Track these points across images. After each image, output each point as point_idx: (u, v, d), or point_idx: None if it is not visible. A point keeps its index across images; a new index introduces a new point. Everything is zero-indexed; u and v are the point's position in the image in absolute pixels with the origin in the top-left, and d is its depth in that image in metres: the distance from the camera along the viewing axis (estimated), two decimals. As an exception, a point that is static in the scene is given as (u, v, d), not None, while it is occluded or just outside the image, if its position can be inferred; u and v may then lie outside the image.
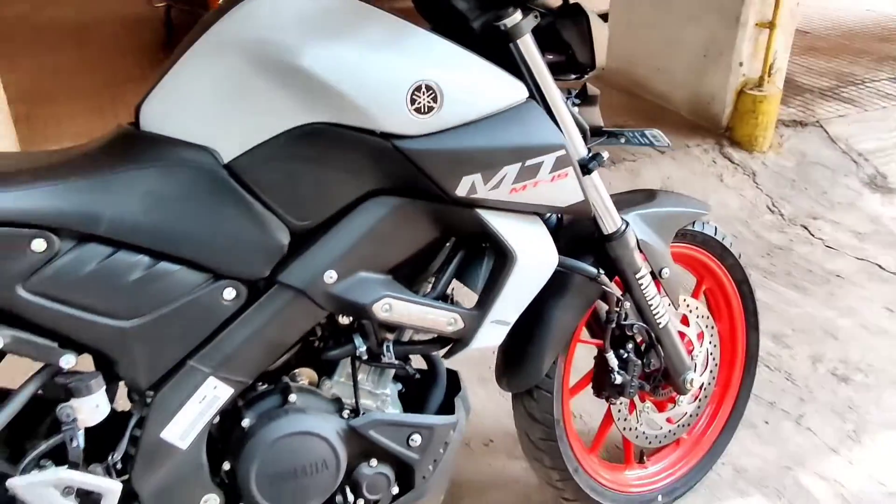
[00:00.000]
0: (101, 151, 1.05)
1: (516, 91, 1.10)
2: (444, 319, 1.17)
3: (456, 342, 1.21)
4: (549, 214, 1.36)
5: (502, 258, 1.16)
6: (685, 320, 1.59)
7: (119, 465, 1.08)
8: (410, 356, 1.29)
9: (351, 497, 1.21)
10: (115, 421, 1.10)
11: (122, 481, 1.08)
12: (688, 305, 1.59)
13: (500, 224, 1.14)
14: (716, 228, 1.60)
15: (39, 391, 1.04)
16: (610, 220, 1.33)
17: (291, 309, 1.10)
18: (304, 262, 1.08)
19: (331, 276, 1.08)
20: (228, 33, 1.00)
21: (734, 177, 3.13)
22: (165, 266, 1.03)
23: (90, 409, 1.04)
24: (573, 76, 1.30)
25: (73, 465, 1.04)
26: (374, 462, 1.21)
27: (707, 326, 1.63)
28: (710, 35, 3.31)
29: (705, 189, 3.05)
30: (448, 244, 1.20)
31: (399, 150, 1.03)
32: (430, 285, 1.20)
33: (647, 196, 1.50)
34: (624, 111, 3.65)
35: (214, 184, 1.02)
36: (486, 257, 1.22)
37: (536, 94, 1.18)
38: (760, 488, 1.74)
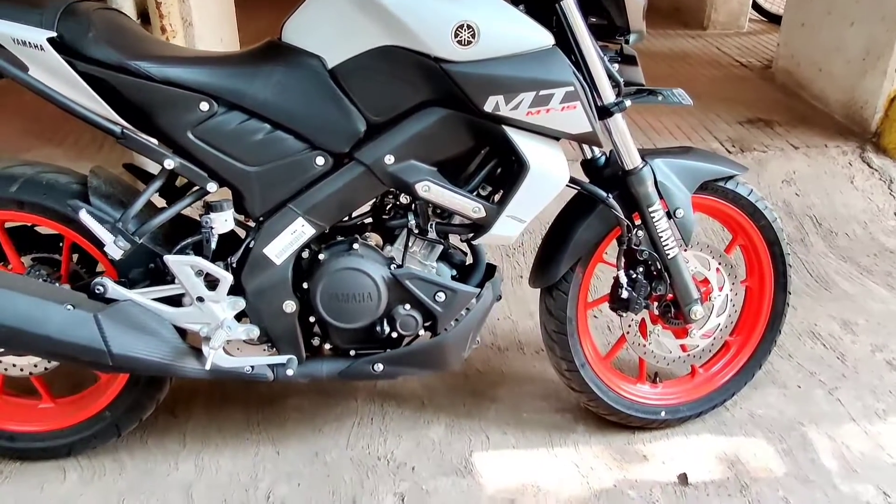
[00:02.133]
0: (253, 53, 1.56)
1: (543, 38, 1.47)
2: (469, 206, 1.57)
3: (479, 227, 1.61)
4: (597, 152, 1.72)
5: (519, 166, 1.54)
6: (714, 268, 1.85)
7: (234, 265, 1.61)
8: (461, 250, 1.70)
9: (387, 328, 1.65)
10: (238, 237, 1.63)
11: (235, 276, 1.60)
12: (711, 253, 1.85)
13: (519, 139, 1.51)
14: (751, 190, 1.84)
15: (193, 205, 1.59)
16: (628, 158, 1.65)
17: (360, 179, 1.55)
18: (372, 145, 1.53)
19: (389, 159, 1.52)
20: (341, -24, 1.46)
21: (867, 181, 3.16)
22: (280, 133, 1.52)
23: (221, 221, 1.57)
24: (618, 38, 1.63)
25: (205, 257, 1.57)
26: (407, 306, 1.65)
27: (730, 276, 1.87)
28: (871, 39, 3.32)
29: (832, 188, 3.12)
30: (483, 152, 1.59)
31: (444, 71, 1.44)
32: (467, 181, 1.60)
33: (680, 150, 1.79)
34: (775, 108, 3.73)
35: (320, 81, 1.49)
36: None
37: (576, 48, 1.53)
38: (766, 433, 1.95)
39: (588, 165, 1.77)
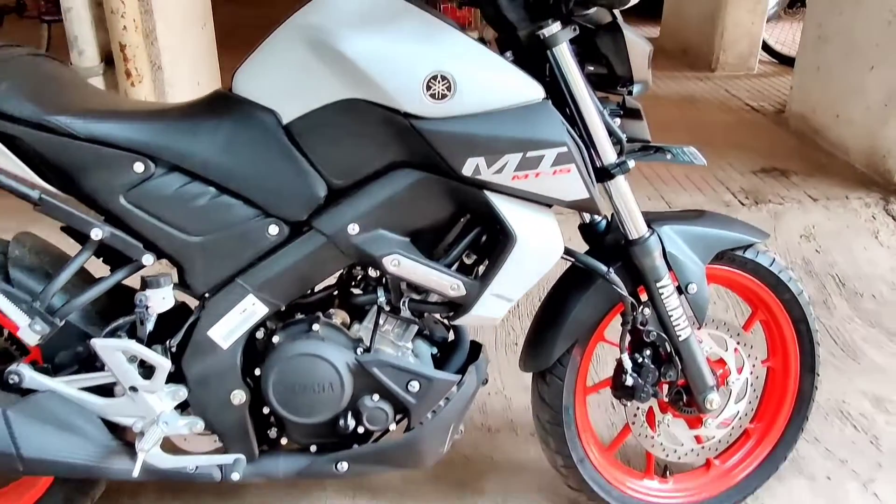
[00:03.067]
0: (198, 105, 1.36)
1: (532, 91, 1.27)
2: (447, 283, 1.36)
3: (459, 307, 1.39)
4: (596, 217, 1.51)
5: (505, 237, 1.33)
6: (724, 344, 1.63)
7: (174, 350, 1.39)
8: (443, 324, 1.48)
9: (352, 423, 1.43)
10: (179, 315, 1.41)
11: (175, 362, 1.38)
12: (728, 331, 1.63)
13: (504, 206, 1.31)
14: (773, 259, 1.62)
15: (126, 280, 1.38)
16: (632, 226, 1.44)
17: (320, 251, 1.34)
18: (334, 213, 1.32)
19: (353, 229, 1.32)
20: (299, 22, 1.27)
21: (893, 236, 2.94)
22: (227, 199, 1.32)
23: (158, 299, 1.36)
24: (620, 89, 1.43)
25: (140, 341, 1.36)
26: (375, 397, 1.42)
27: (750, 357, 1.65)
28: (893, 84, 3.13)
29: (855, 244, 2.90)
30: (462, 220, 1.38)
31: (415, 129, 1.24)
32: (445, 253, 1.39)
33: (692, 214, 1.57)
34: (790, 156, 3.53)
35: (273, 139, 1.29)
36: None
37: (570, 101, 1.33)
38: (793, 536, 1.71)
39: (587, 231, 1.56)
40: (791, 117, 3.93)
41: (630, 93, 1.43)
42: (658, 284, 1.47)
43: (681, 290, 1.51)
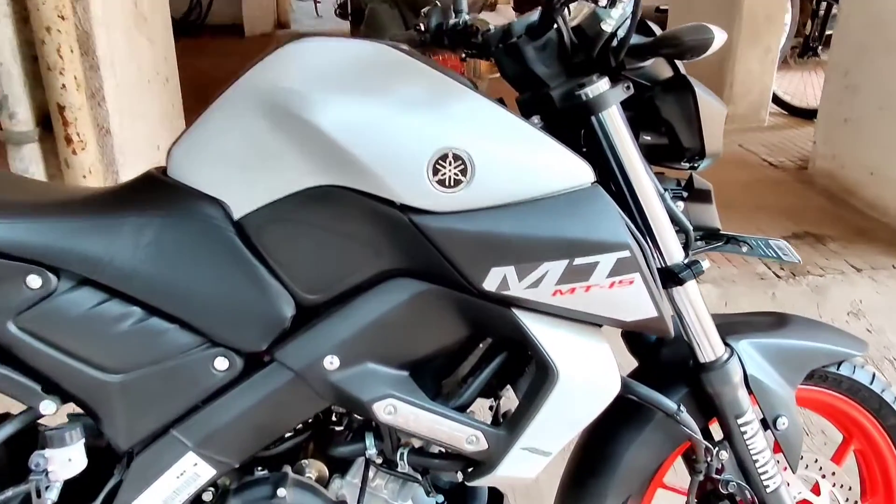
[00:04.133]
0: (122, 193, 1.02)
1: (578, 173, 0.93)
2: (461, 435, 0.99)
3: (479, 464, 1.02)
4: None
5: (542, 372, 0.97)
6: (816, 489, 1.26)
7: (85, 531, 1.01)
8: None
9: None
10: (96, 478, 1.04)
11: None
12: (821, 469, 1.27)
13: (541, 330, 0.95)
14: (874, 375, 1.27)
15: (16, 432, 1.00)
16: (707, 344, 1.09)
17: (286, 392, 0.99)
18: (305, 341, 0.97)
19: (332, 363, 0.96)
20: (253, 82, 0.93)
21: (953, 311, 2.61)
22: (157, 322, 0.96)
23: (62, 461, 0.98)
24: (681, 164, 1.10)
25: (36, 518, 0.98)
26: (366, 586, 1.05)
27: (847, 500, 1.28)
28: (940, 139, 2.84)
29: (910, 322, 2.56)
30: (482, 345, 1.02)
31: (416, 226, 0.90)
32: (457, 390, 1.03)
33: (774, 322, 1.23)
34: (822, 219, 3.22)
35: (221, 241, 0.95)
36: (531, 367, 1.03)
37: (623, 182, 1.00)
38: None
39: (633, 339, 1.21)
40: (816, 174, 3.64)
41: (695, 167, 1.11)
42: (739, 421, 1.12)
43: (766, 425, 1.15)
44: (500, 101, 0.97)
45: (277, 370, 0.98)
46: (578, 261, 0.91)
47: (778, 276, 2.71)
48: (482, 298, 0.94)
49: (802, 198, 3.50)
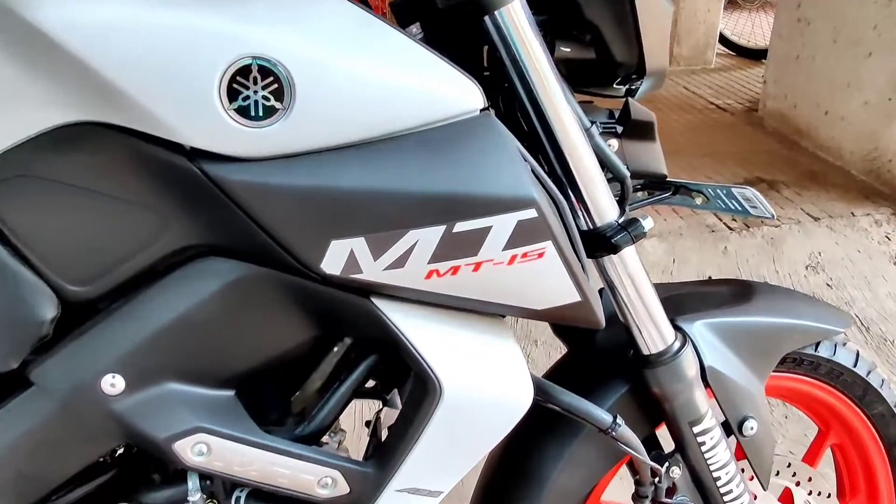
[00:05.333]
0: None
1: (458, 97, 0.63)
2: (310, 477, 0.70)
3: (339, 513, 0.74)
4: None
5: (420, 387, 0.68)
6: (787, 496, 1.02)
7: None
8: None
9: None
10: None
11: None
12: (794, 474, 1.03)
13: (414, 328, 0.66)
14: (857, 355, 1.02)
15: None
16: (652, 331, 0.82)
17: (52, 428, 0.68)
18: (73, 354, 0.66)
19: (112, 384, 0.66)
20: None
21: (916, 261, 2.42)
22: None
23: None
24: (613, 88, 0.82)
25: None
26: None
27: (825, 508, 1.05)
28: (900, 74, 2.63)
29: (872, 274, 2.36)
30: (338, 347, 0.73)
31: (212, 179, 0.59)
32: (305, 415, 0.74)
33: (735, 293, 0.96)
34: (774, 163, 3.00)
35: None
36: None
37: (532, 111, 0.71)
38: None
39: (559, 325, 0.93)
40: (767, 116, 3.42)
41: (632, 92, 0.82)
42: (696, 429, 0.86)
43: (729, 430, 0.89)
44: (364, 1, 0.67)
45: (37, 397, 0.67)
46: (461, 226, 0.61)
47: (730, 228, 2.48)
48: (326, 284, 0.64)
49: (752, 141, 3.27)
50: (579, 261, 0.68)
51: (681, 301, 0.92)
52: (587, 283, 0.68)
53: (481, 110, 0.64)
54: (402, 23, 0.76)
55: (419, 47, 0.62)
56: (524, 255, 0.63)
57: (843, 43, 2.89)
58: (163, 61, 0.56)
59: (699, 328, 0.87)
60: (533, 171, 0.64)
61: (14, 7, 0.56)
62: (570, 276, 0.66)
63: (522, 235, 0.62)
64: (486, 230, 0.61)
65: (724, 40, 4.79)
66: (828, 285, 2.33)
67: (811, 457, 1.10)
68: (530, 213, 0.62)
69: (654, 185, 0.90)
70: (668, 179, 0.89)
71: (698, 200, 0.90)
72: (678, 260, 2.36)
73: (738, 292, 0.96)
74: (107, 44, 0.56)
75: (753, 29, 4.80)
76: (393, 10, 0.77)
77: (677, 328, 0.85)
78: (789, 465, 1.03)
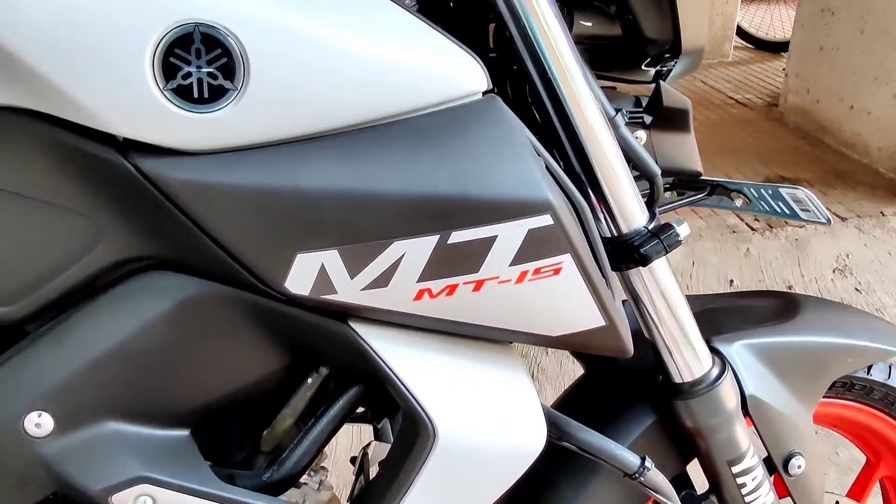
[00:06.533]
0: None
1: (458, 76, 0.51)
2: (277, 535, 0.59)
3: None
4: None
5: (411, 429, 0.57)
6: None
7: None
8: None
9: None
10: None
11: None
12: (842, 513, 0.91)
13: (401, 359, 0.55)
14: (912, 378, 0.90)
15: None
16: (686, 356, 0.70)
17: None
18: (-10, 386, 0.54)
19: (38, 423, 0.54)
20: None
21: (950, 264, 2.28)
22: None
23: None
24: (642, 71, 0.71)
25: None
26: None
27: (876, 551, 0.92)
28: (933, 66, 2.49)
29: (904, 278, 2.23)
30: (311, 379, 0.61)
31: (148, 177, 0.47)
32: (280, 454, 0.63)
33: (777, 308, 0.84)
34: (797, 160, 2.87)
35: None
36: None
37: (546, 97, 0.59)
38: None
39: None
40: (788, 111, 3.28)
41: (663, 75, 0.71)
42: (735, 469, 0.74)
43: (772, 468, 0.77)
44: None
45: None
46: (458, 236, 0.49)
47: (752, 229, 2.35)
48: (294, 305, 0.53)
49: (774, 138, 3.13)
50: (603, 276, 0.56)
51: (716, 317, 0.80)
52: (613, 303, 0.56)
53: (484, 93, 0.52)
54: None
55: (409, 14, 0.50)
56: (537, 271, 0.52)
57: (870, 34, 2.74)
58: (78, 28, 0.44)
59: (739, 350, 0.76)
60: (547, 168, 0.52)
61: None
62: (593, 295, 0.54)
63: (535, 247, 0.51)
64: (490, 241, 0.50)
65: (741, 32, 4.64)
66: (856, 290, 2.19)
67: (858, 491, 0.98)
68: (545, 220, 0.50)
69: (687, 183, 0.78)
70: (702, 177, 0.77)
71: (738, 202, 0.78)
72: (697, 262, 2.23)
73: (781, 307, 0.84)
74: (7, 7, 0.44)
75: (772, 21, 4.65)
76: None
77: (714, 350, 0.73)
78: (838, 503, 0.91)
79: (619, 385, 0.79)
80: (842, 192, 2.59)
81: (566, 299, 0.54)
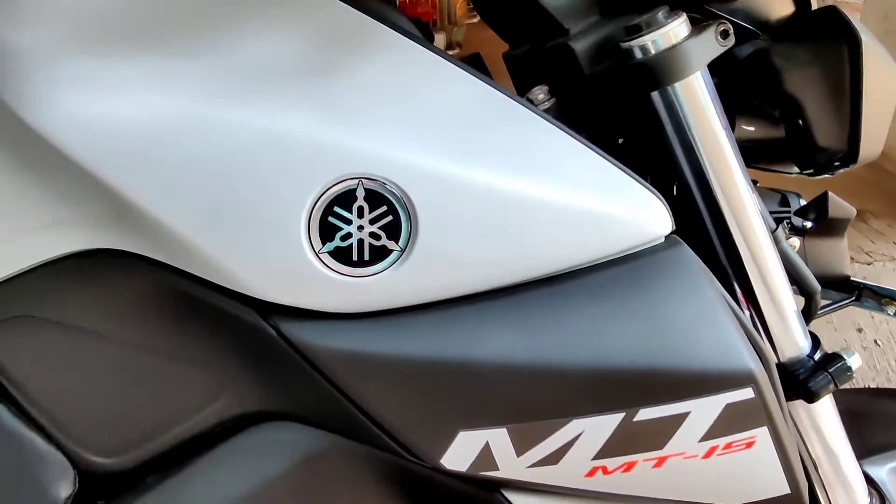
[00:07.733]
0: None
1: (642, 216, 0.44)
2: None
3: None
4: None
5: None
6: None
7: None
8: None
9: None
10: None
11: None
12: None
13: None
14: None
15: None
16: (840, 496, 0.62)
17: None
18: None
19: None
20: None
21: None
22: None
23: None
24: (794, 167, 0.64)
25: None
26: None
27: None
28: None
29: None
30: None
31: (292, 343, 0.41)
32: None
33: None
34: (858, 188, 2.75)
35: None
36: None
37: (704, 207, 0.53)
38: None
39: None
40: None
41: (829, 173, 0.64)
42: None
43: None
44: (476, 60, 0.49)
45: None
46: (646, 413, 0.43)
47: (815, 266, 2.26)
48: (441, 472, 0.46)
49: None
50: (790, 435, 0.49)
51: (862, 430, 0.72)
52: (801, 467, 0.49)
53: (666, 236, 0.45)
54: (519, 81, 0.58)
55: (587, 149, 0.43)
56: (728, 445, 0.45)
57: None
58: (227, 192, 0.38)
59: (890, 477, 0.68)
60: (742, 324, 0.45)
61: (8, 101, 0.38)
62: (783, 465, 0.47)
63: (729, 421, 0.44)
64: (682, 418, 0.43)
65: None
66: (931, 333, 2.09)
67: None
68: (745, 394, 0.43)
69: (834, 285, 0.71)
70: (852, 280, 0.70)
71: (891, 310, 0.70)
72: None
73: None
74: (135, 155, 0.38)
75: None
76: (508, 65, 0.59)
77: (867, 479, 0.66)
78: None
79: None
80: (908, 224, 2.49)
81: (752, 471, 0.47)
